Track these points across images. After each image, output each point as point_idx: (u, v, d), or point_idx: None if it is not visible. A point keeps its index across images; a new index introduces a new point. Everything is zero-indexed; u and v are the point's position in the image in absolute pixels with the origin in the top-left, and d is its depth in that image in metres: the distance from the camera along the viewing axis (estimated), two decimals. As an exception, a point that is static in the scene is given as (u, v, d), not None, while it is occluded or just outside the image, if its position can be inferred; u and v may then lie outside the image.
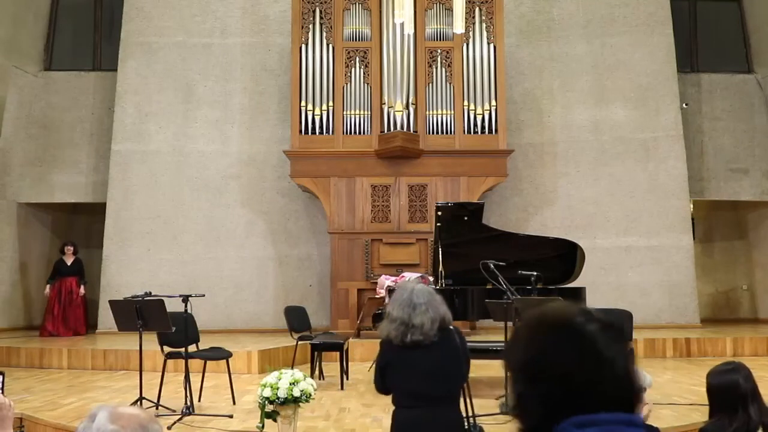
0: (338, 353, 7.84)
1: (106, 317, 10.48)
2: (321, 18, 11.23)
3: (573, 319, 1.18)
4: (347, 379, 7.89)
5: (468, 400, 4.63)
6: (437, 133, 11.08)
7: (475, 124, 11.09)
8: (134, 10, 12.30)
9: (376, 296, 9.98)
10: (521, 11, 12.45)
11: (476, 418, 5.21)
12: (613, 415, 1.12)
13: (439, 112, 11.08)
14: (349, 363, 8.41)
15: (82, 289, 11.47)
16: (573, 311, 1.20)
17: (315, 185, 11.14)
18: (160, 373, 6.52)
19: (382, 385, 3.48)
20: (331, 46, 11.18)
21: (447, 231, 7.72)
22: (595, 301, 6.96)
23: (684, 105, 12.40)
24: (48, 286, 11.42)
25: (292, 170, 11.18)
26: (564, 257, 7.89)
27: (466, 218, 7.87)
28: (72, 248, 11.55)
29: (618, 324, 1.20)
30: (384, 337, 3.42)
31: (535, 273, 6.70)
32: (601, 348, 1.15)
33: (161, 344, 6.52)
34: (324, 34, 11.21)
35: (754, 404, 2.79)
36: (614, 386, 1.14)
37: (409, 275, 9.50)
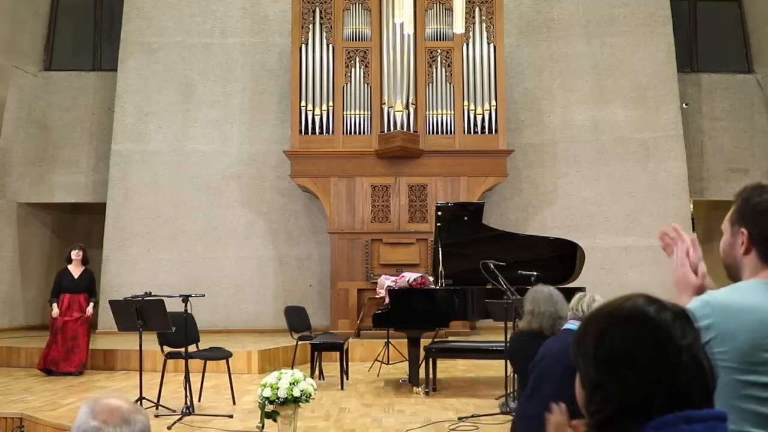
0: (338, 353, 7.84)
1: (106, 317, 10.48)
2: (321, 18, 11.23)
3: (645, 310, 1.19)
4: (347, 379, 7.89)
5: None
6: (437, 133, 11.08)
7: (475, 124, 11.09)
8: (134, 10, 12.31)
9: (376, 296, 9.94)
10: (521, 11, 12.44)
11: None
12: (712, 412, 1.15)
13: (439, 112, 11.08)
14: (349, 363, 8.42)
15: (89, 309, 8.76)
16: (642, 302, 1.21)
17: (315, 185, 11.14)
18: (160, 373, 6.53)
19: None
20: (331, 46, 11.18)
21: (447, 231, 7.72)
22: (595, 301, 6.96)
23: (684, 105, 12.39)
24: (54, 304, 8.63)
25: (292, 170, 11.19)
26: (564, 257, 7.89)
27: (466, 218, 7.87)
28: (81, 253, 8.83)
29: (688, 311, 1.21)
30: (531, 329, 3.87)
31: (535, 273, 6.70)
32: (676, 336, 1.16)
33: (161, 344, 6.52)
34: (324, 34, 11.21)
35: None
36: (695, 374, 1.15)
37: (409, 275, 9.48)
